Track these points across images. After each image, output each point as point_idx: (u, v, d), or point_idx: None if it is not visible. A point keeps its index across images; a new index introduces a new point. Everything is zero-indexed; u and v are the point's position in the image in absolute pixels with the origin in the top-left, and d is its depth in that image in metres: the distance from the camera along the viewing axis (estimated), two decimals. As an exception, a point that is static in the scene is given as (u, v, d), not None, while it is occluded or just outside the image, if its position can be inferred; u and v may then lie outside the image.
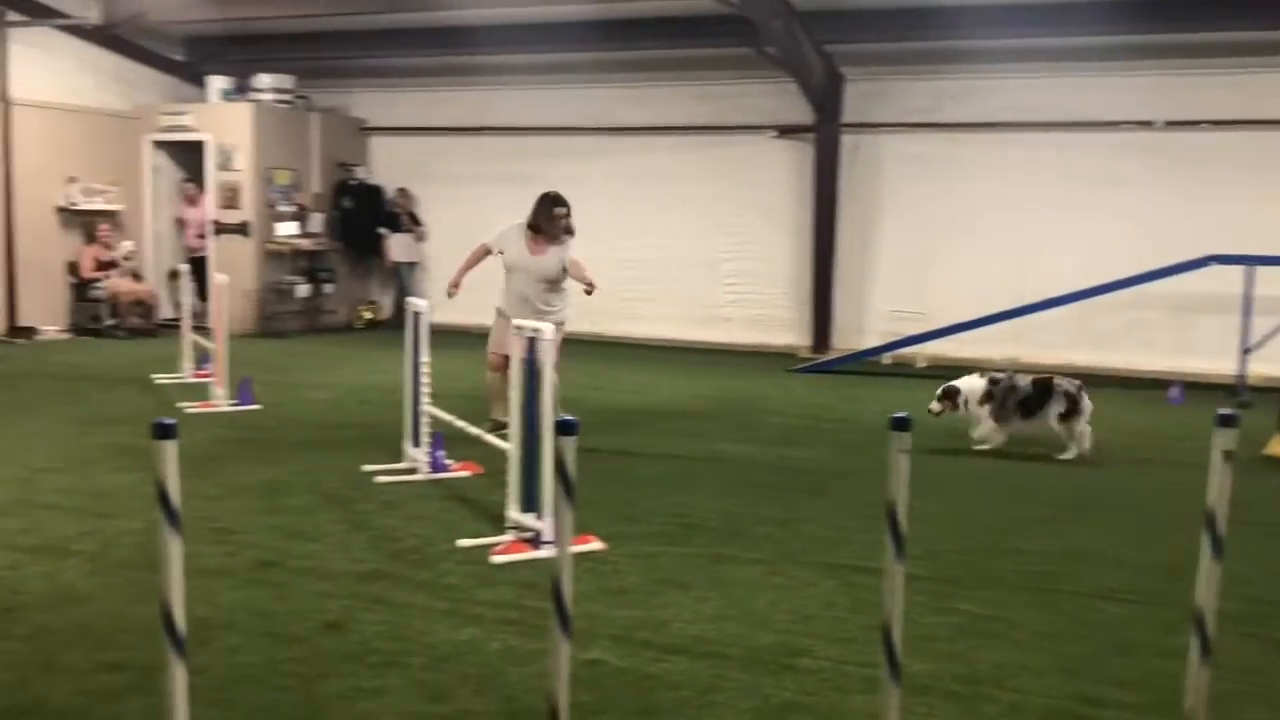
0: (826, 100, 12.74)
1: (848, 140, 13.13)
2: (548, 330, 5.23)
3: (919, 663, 3.97)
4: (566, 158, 14.52)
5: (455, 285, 8.01)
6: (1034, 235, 12.34)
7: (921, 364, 12.39)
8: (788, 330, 13.73)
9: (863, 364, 12.20)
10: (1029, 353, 11.83)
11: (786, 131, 13.39)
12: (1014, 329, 11.76)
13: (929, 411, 7.88)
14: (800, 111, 13.05)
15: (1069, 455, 7.62)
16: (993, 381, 7.79)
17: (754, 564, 5.15)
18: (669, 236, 14.13)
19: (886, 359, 12.47)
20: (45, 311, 13.45)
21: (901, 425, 2.85)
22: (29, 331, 13.03)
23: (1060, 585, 4.96)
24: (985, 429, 7.84)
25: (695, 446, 7.85)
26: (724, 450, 7.74)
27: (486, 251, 8.07)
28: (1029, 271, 12.16)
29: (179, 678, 2.76)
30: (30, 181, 13.16)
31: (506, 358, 7.65)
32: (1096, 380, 9.33)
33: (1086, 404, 7.60)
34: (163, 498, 2.63)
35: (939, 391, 7.97)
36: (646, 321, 14.34)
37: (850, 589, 4.83)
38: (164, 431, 2.63)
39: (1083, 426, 7.61)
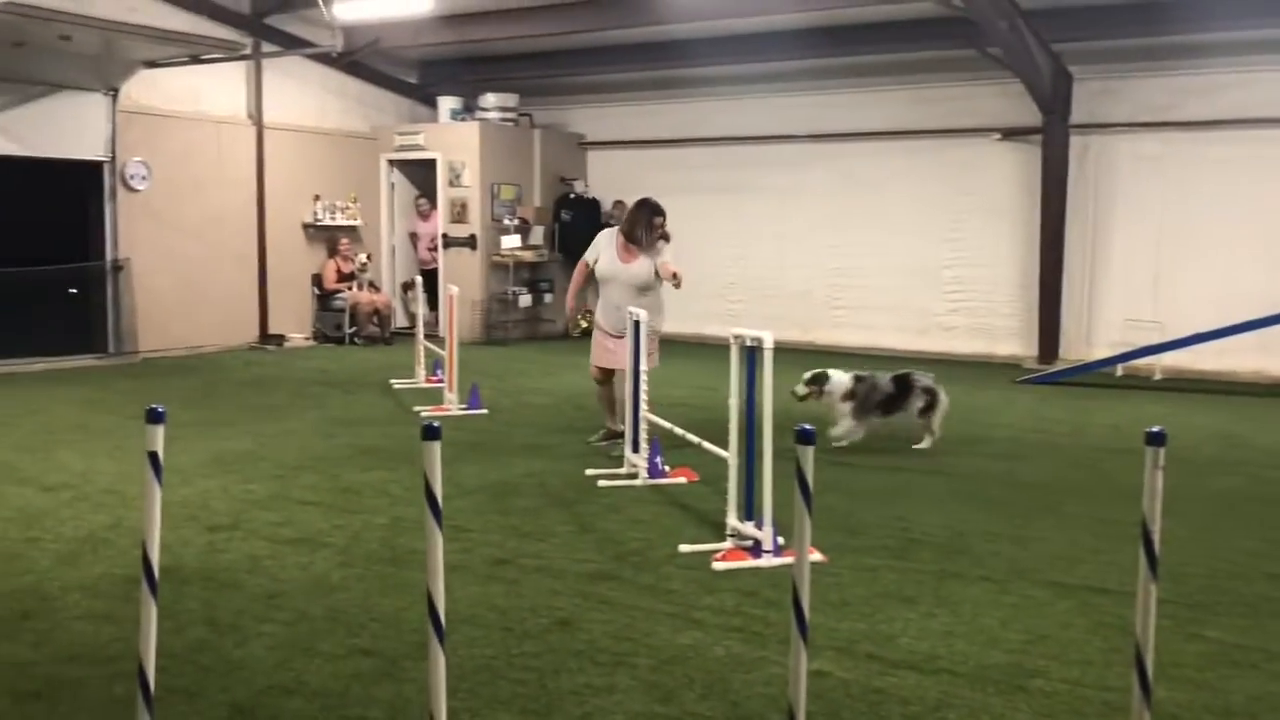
0: (1054, 100, 12.23)
1: (1077, 141, 12.56)
2: (767, 338, 5.23)
3: (1165, 690, 3.76)
4: (779, 166, 14.52)
5: (571, 310, 8.23)
6: (1285, 238, 11.48)
7: (1158, 376, 11.71)
8: (1013, 340, 13.25)
9: (1093, 376, 11.62)
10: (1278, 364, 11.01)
11: (1011, 134, 12.94)
12: (1260, 339, 10.96)
13: (793, 394, 7.89)
14: (1026, 113, 12.57)
15: (924, 445, 7.93)
16: (857, 379, 7.96)
17: (983, 581, 5.00)
18: (886, 244, 13.89)
19: (1119, 371, 11.84)
20: (292, 320, 14.48)
21: (1156, 440, 2.71)
22: (278, 339, 14.06)
23: (1325, 616, 4.59)
24: (844, 426, 7.91)
25: (917, 459, 7.68)
26: (947, 463, 7.54)
27: (586, 266, 8.03)
28: (1278, 277, 11.31)
29: (439, 664, 2.91)
30: (279, 200, 14.20)
31: (606, 370, 7.81)
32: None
33: (943, 399, 8.01)
34: (429, 493, 2.79)
35: (807, 375, 8.01)
36: (861, 330, 14.13)
37: (1088, 610, 4.61)
38: (431, 433, 2.79)
39: (939, 419, 7.99)
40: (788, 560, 5.12)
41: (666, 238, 7.90)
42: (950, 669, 4.00)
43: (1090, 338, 12.76)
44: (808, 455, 2.92)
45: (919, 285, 13.74)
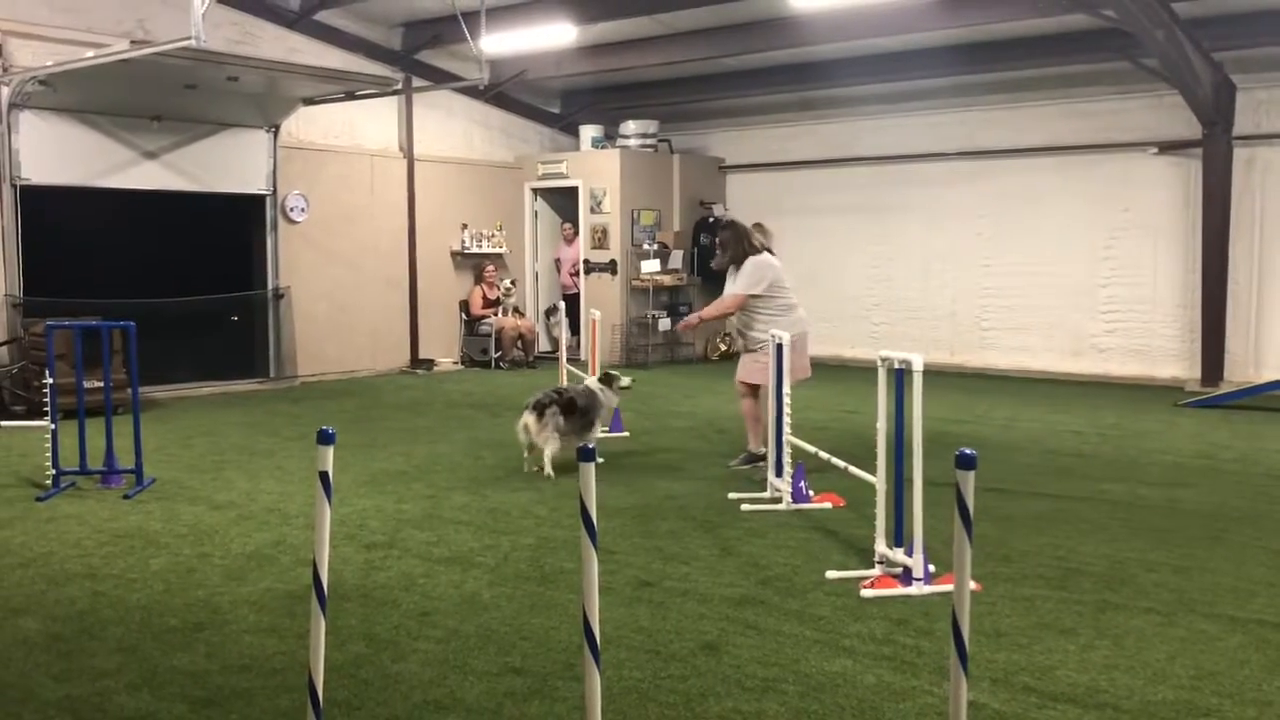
0: (1216, 111, 11.69)
1: (1241, 154, 11.99)
2: (915, 360, 5.14)
3: (1354, 735, 3.53)
4: (925, 185, 14.29)
5: (695, 326, 8.33)
6: None
7: (1335, 399, 11.03)
8: (1173, 362, 12.69)
9: (1263, 399, 11.01)
10: None
11: (1169, 147, 12.44)
12: None
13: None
14: (1184, 125, 12.07)
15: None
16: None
17: (1146, 613, 4.78)
18: (1037, 262, 13.50)
19: (1290, 393, 11.20)
20: (441, 345, 14.90)
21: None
22: (428, 363, 14.48)
23: None
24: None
25: (1072, 485, 7.41)
26: (1105, 490, 7.25)
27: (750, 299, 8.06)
28: None
29: (594, 684, 2.94)
30: (429, 228, 14.67)
31: (750, 386, 7.83)
32: None
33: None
34: (584, 513, 2.83)
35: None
36: (1011, 352, 13.76)
37: (1264, 646, 4.37)
38: (586, 455, 2.84)
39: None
40: (940, 588, 5.00)
41: (732, 255, 7.92)
42: (1114, 704, 3.84)
43: (1258, 359, 12.13)
44: (968, 481, 2.86)
45: (1073, 305, 13.30)
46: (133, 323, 7.51)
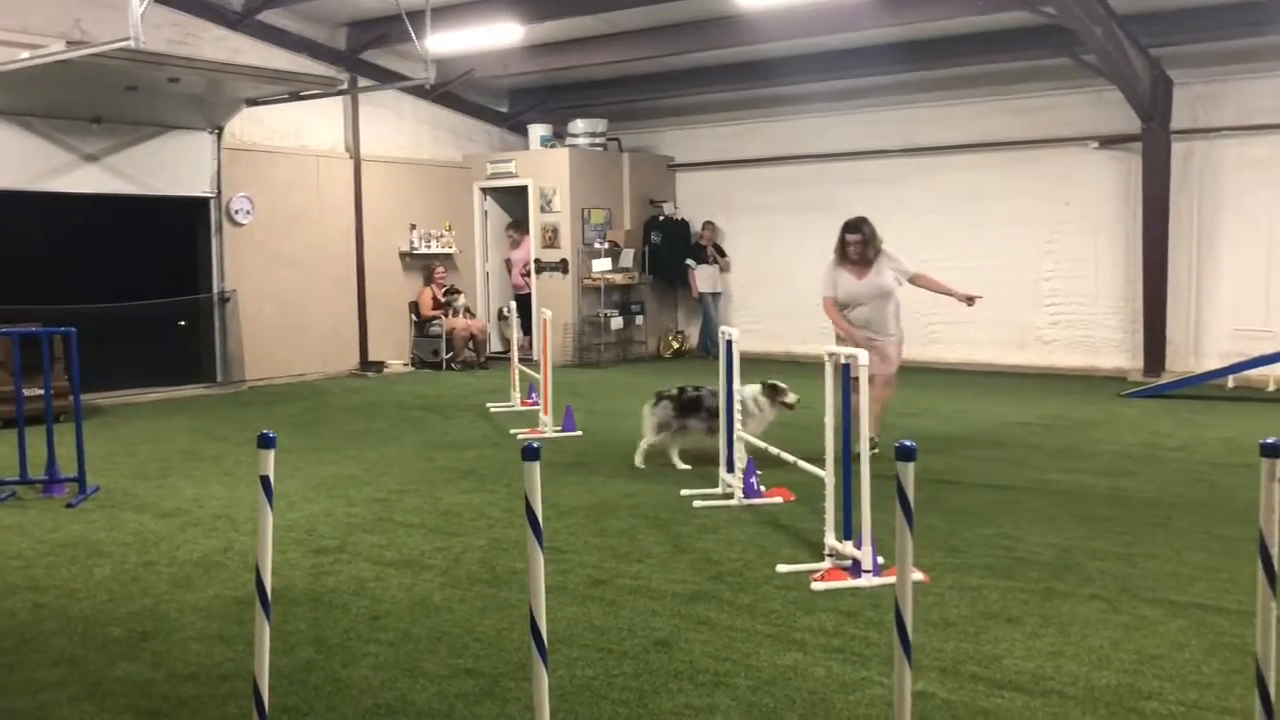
0: (1154, 106, 11.92)
1: (1179, 148, 12.23)
2: (861, 356, 5.20)
3: (1290, 714, 3.62)
4: (870, 182, 14.39)
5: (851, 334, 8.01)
6: None
7: (1273, 388, 11.28)
8: (1116, 352, 12.91)
9: (1203, 388, 11.25)
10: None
11: (1109, 142, 12.65)
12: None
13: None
14: (1124, 120, 12.29)
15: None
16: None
17: (1091, 600, 4.86)
18: (981, 257, 13.65)
19: (1230, 382, 11.43)
20: (391, 347, 14.79)
21: (1273, 451, 2.62)
22: (378, 366, 14.37)
23: None
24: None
25: (1019, 475, 7.52)
26: (1051, 480, 7.37)
27: (834, 300, 8.16)
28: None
29: (542, 684, 2.94)
30: (377, 229, 14.55)
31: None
32: None
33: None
34: (530, 513, 2.83)
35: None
36: (957, 345, 13.91)
37: (1203, 630, 4.46)
38: (531, 454, 2.84)
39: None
40: (888, 580, 5.05)
41: (862, 254, 8.02)
42: (1059, 690, 3.90)
43: (1198, 349, 12.37)
44: (908, 472, 2.89)
45: (1017, 298, 13.47)
46: (74, 329, 7.38)
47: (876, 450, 7.34)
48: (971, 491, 7.04)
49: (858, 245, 8.01)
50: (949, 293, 8.32)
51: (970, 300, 8.26)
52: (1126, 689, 3.90)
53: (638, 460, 7.92)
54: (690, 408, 7.76)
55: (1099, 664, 4.14)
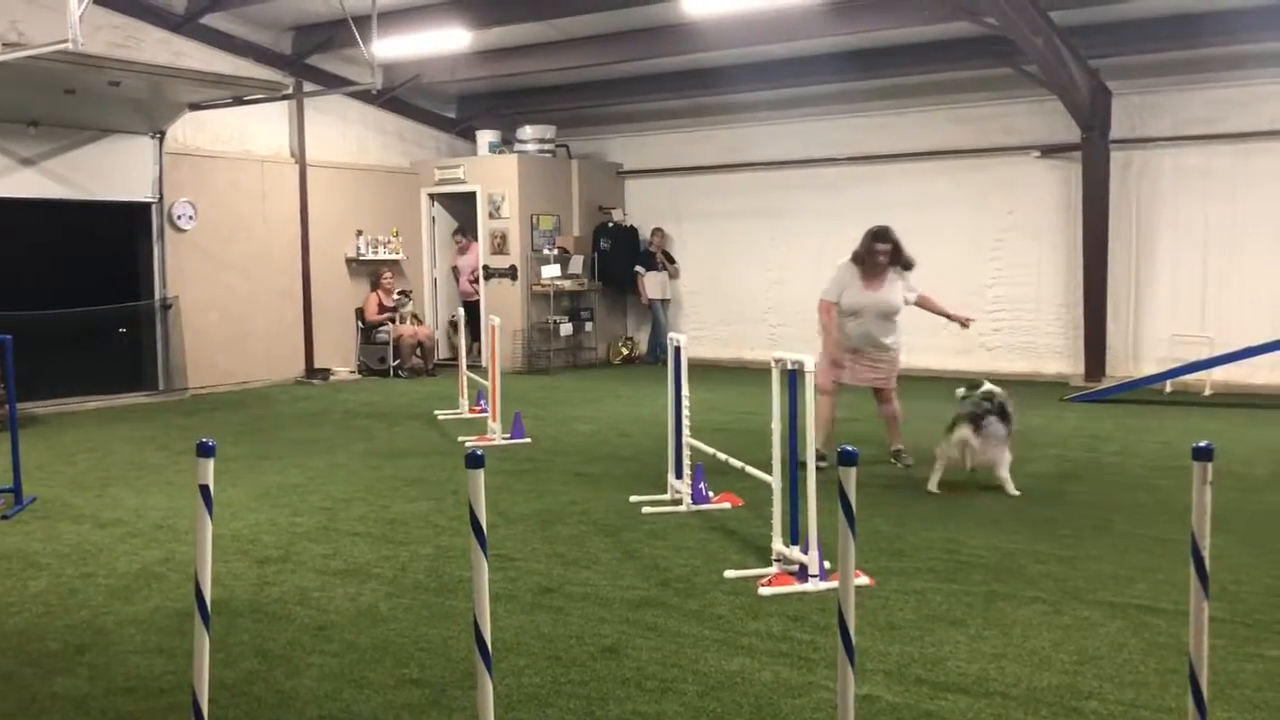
0: (1093, 116, 12.15)
1: (1118, 157, 12.47)
2: (807, 362, 5.22)
3: (1223, 711, 3.70)
4: (817, 189, 14.52)
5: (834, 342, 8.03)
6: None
7: (1208, 392, 11.53)
8: (1058, 358, 13.13)
9: (1142, 393, 11.47)
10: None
11: (1051, 151, 12.87)
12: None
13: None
14: (1065, 129, 12.50)
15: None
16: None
17: (1033, 602, 4.94)
18: (927, 264, 13.68)
19: (1168, 387, 11.67)
20: (337, 354, 14.64)
21: (1204, 455, 2.68)
22: (324, 373, 14.21)
23: (1388, 633, 4.48)
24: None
25: (963, 480, 7.60)
26: (995, 484, 7.45)
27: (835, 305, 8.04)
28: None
29: (487, 691, 2.92)
30: (323, 235, 14.40)
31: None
32: None
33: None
34: (474, 521, 2.82)
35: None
36: (902, 351, 14.02)
37: (1141, 630, 4.54)
38: (475, 462, 2.82)
39: None
40: (835, 584, 5.09)
41: (907, 265, 8.04)
42: (1002, 691, 3.95)
43: (1137, 354, 12.62)
44: (850, 477, 2.91)
45: (961, 304, 13.55)
46: (9, 336, 7.21)
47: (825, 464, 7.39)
48: (916, 496, 7.11)
49: (887, 254, 7.91)
50: (948, 315, 8.33)
51: (966, 323, 8.36)
52: (1067, 689, 3.96)
53: (1010, 488, 7.00)
54: (1003, 416, 7.01)
55: (1040, 665, 4.20)
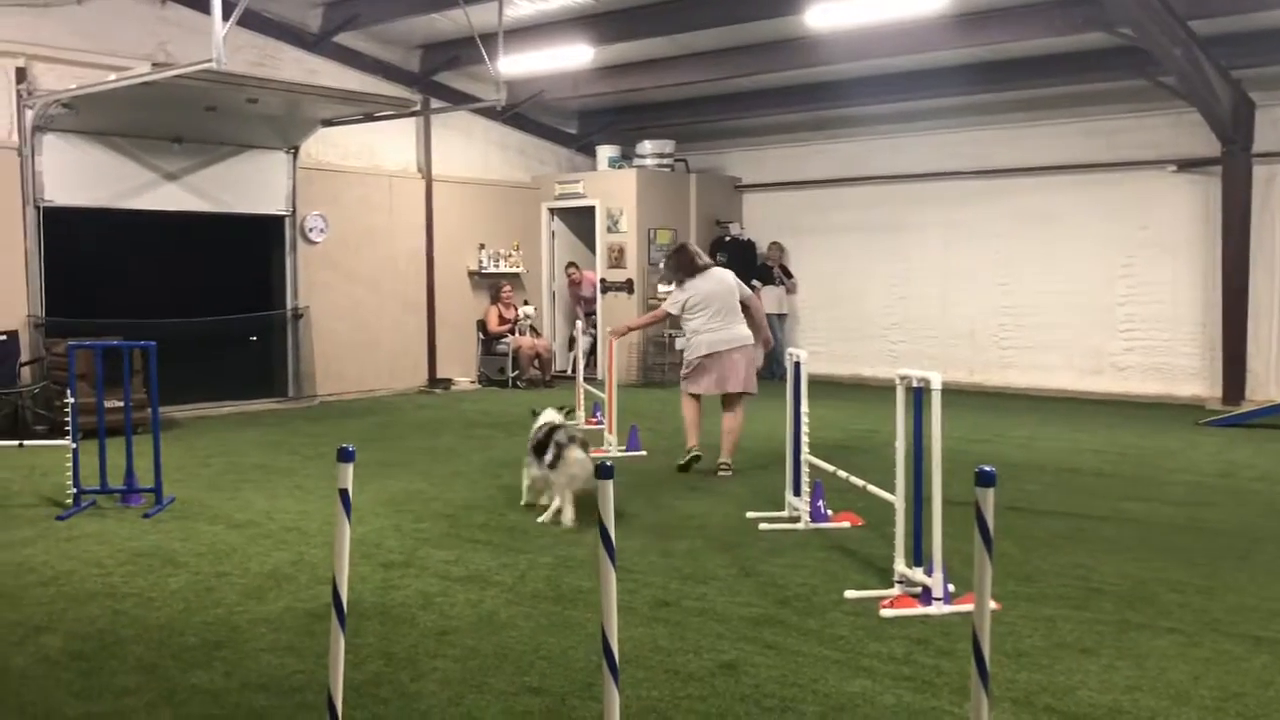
0: (1235, 129, 11.65)
1: (1261, 171, 11.94)
2: (934, 379, 5.11)
3: (1382, 757, 3.49)
4: (942, 203, 14.27)
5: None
6: None
7: (1359, 417, 10.93)
8: (1193, 380, 12.61)
9: (1284, 417, 10.94)
10: None
11: (1188, 165, 12.39)
12: None
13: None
14: (1204, 143, 12.03)
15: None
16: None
17: (1169, 633, 4.74)
18: (1055, 281, 13.46)
19: (1314, 412, 11.11)
20: (458, 365, 14.94)
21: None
22: (446, 383, 14.51)
23: None
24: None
25: (1093, 504, 7.36)
26: (1126, 509, 7.20)
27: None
28: None
29: (614, 702, 2.93)
30: (447, 248, 14.73)
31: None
32: None
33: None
34: (603, 532, 2.84)
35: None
36: (1029, 371, 13.70)
37: (1289, 667, 4.32)
38: (605, 473, 2.85)
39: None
40: (960, 608, 4.97)
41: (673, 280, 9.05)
42: (1137, 726, 3.80)
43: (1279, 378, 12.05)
44: (988, 498, 2.84)
45: (1091, 323, 13.24)
46: (153, 342, 7.56)
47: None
48: (1044, 520, 6.91)
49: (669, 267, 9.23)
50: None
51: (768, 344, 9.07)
52: (1208, 726, 3.79)
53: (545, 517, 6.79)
54: None
55: (1178, 699, 4.03)
